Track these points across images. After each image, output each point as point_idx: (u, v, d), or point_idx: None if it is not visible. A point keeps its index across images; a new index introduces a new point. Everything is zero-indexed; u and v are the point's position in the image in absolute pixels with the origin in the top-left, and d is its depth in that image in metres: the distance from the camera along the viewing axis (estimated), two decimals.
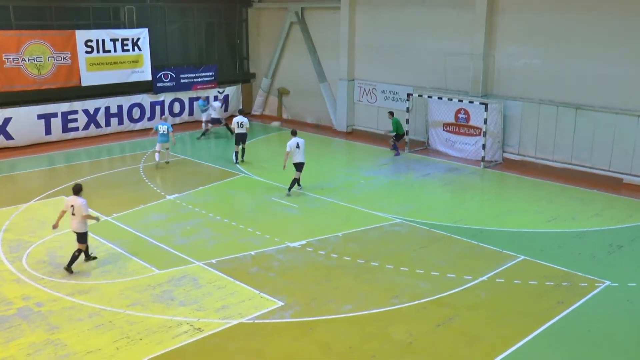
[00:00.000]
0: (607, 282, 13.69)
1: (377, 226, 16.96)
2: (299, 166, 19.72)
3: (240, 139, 23.73)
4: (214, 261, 14.68)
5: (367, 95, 29.26)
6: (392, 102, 28.03)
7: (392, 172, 22.25)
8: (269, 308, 12.45)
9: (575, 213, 18.33)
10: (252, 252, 15.30)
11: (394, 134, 25.52)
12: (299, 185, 20.12)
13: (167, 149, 23.56)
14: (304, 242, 15.93)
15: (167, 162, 23.61)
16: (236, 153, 24.03)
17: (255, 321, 11.97)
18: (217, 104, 28.34)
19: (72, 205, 14.22)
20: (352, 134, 29.73)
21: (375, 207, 18.63)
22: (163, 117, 27.45)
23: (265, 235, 16.38)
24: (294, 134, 19.93)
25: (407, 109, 26.22)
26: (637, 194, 20.25)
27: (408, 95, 26.19)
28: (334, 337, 11.47)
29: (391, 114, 25.73)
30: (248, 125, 23.86)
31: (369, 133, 29.18)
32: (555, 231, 16.84)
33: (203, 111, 28.70)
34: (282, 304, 12.63)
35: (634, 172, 21.08)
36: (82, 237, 14.33)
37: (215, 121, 26.55)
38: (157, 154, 23.07)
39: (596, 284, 13.60)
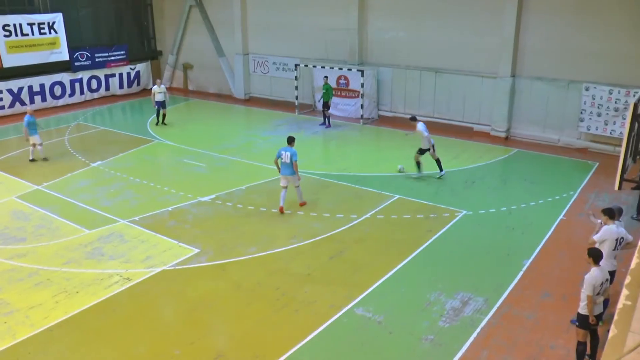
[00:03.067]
0: (464, 212, 14.47)
1: (275, 178, 16.81)
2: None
3: (160, 105, 23.62)
4: (136, 218, 14.37)
5: (260, 66, 28.88)
6: (282, 72, 27.86)
7: (286, 131, 22.29)
8: (187, 255, 12.40)
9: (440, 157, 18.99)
10: (169, 208, 15.06)
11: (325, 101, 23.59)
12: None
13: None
14: (213, 196, 15.82)
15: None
16: (157, 117, 24.06)
17: (176, 267, 11.91)
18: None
19: None
20: (250, 100, 29.42)
21: (272, 162, 18.62)
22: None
23: (179, 192, 16.14)
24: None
25: (295, 77, 26.12)
26: (485, 140, 21.32)
27: (296, 65, 26.06)
28: (243, 275, 11.59)
29: (326, 78, 24.04)
30: (165, 93, 23.79)
31: (264, 99, 28.97)
32: (425, 173, 17.36)
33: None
34: (198, 250, 12.60)
35: (482, 122, 22.19)
36: None
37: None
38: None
39: (456, 214, 14.36)
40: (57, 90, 28.55)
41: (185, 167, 18.54)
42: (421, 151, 16.94)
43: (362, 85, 23.85)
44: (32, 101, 27.46)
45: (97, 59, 29.75)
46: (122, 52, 30.82)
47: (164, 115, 23.91)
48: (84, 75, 29.46)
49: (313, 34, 26.25)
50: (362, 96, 24.01)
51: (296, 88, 26.17)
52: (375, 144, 21.93)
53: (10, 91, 26.80)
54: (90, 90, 29.88)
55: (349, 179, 17.11)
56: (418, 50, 23.39)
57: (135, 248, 12.81)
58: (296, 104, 26.29)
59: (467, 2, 21.69)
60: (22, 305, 10.70)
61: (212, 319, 10.20)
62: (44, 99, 28.03)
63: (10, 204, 15.75)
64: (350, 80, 24.96)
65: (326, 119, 23.75)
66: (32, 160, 19.48)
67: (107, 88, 30.61)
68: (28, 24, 27.08)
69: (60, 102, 28.64)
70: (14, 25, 26.60)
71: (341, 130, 23.02)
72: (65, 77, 28.78)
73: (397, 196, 15.59)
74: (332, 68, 24.72)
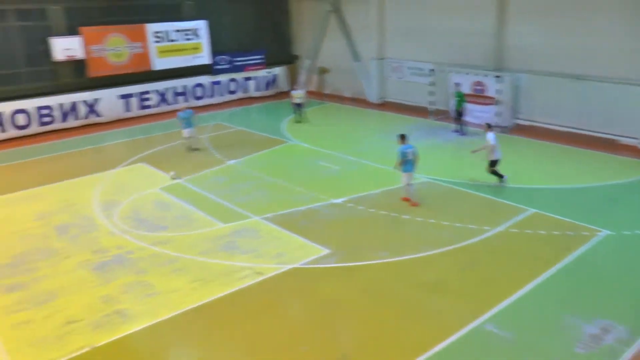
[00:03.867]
0: (606, 231, 13.48)
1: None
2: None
3: (298, 107, 25.50)
4: (269, 216, 14.93)
5: (395, 71, 28.94)
6: (417, 77, 27.69)
7: (420, 137, 22.00)
8: (317, 255, 12.65)
9: (578, 171, 18.03)
10: (302, 208, 15.46)
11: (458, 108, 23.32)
12: None
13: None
14: (345, 198, 16.01)
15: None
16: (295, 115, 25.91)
17: (306, 266, 12.20)
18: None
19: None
20: (384, 105, 29.50)
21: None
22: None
23: (312, 193, 16.52)
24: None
25: (431, 82, 25.86)
26: (630, 154, 19.82)
27: (430, 70, 25.82)
28: (372, 280, 11.63)
29: (457, 85, 24.00)
30: (303, 96, 25.84)
31: (398, 104, 28.95)
32: (561, 187, 16.57)
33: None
34: (328, 251, 12.80)
35: (628, 135, 20.59)
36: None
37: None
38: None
39: (596, 233, 13.42)
40: (199, 91, 30.41)
41: (318, 169, 18.96)
42: (492, 163, 16.41)
43: (499, 92, 23.11)
44: (175, 101, 29.40)
45: (235, 63, 31.32)
46: (260, 57, 32.17)
47: (302, 114, 25.58)
48: (223, 78, 31.11)
49: (449, 39, 25.89)
50: (498, 103, 23.25)
51: (431, 94, 25.91)
52: (510, 154, 20.99)
53: (157, 92, 28.90)
54: (229, 92, 31.51)
55: (483, 189, 16.59)
56: (559, 55, 22.19)
57: (267, 244, 13.31)
58: (430, 109, 26.02)
59: (618, 3, 20.29)
60: (163, 288, 11.53)
61: (338, 320, 10.34)
62: (186, 100, 29.92)
63: (155, 195, 17.02)
64: (487, 87, 24.24)
65: (460, 127, 23.26)
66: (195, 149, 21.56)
67: (245, 90, 32.09)
68: (175, 31, 29.10)
69: (201, 102, 30.49)
70: (164, 32, 28.75)
71: (475, 138, 22.39)
72: (206, 80, 30.56)
73: (533, 210, 14.88)
74: (468, 74, 24.20)
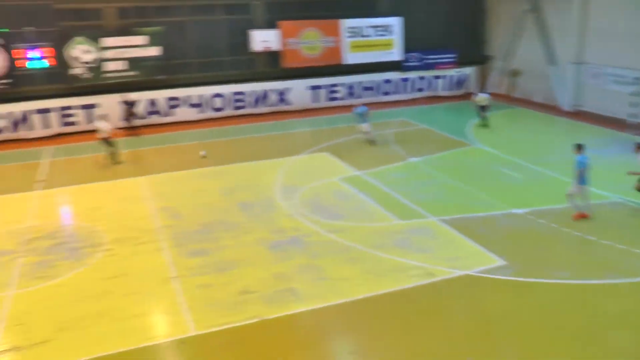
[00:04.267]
0: None
1: (597, 203, 15.22)
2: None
3: (482, 110, 24.63)
4: (446, 218, 14.55)
5: (594, 77, 26.55)
6: (619, 85, 25.13)
7: (615, 152, 20.15)
8: (492, 265, 12.04)
9: None
10: (481, 214, 14.86)
11: None
12: None
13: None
14: (527, 210, 15.06)
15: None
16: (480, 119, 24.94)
17: (480, 274, 11.66)
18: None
19: None
20: (577, 114, 27.36)
21: (595, 184, 16.96)
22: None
23: (492, 200, 15.82)
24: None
25: (634, 92, 23.49)
26: None
27: (636, 79, 23.41)
28: (548, 299, 10.75)
29: None
30: (487, 98, 24.85)
31: (593, 114, 26.60)
32: None
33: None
34: (504, 262, 12.12)
35: None
36: None
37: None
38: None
39: None
40: (387, 87, 30.72)
41: (500, 176, 18.12)
42: None
43: None
44: (363, 96, 29.98)
45: (426, 61, 31.13)
46: (451, 55, 31.64)
47: (485, 118, 24.61)
48: (413, 75, 31.09)
49: None
50: None
51: (633, 105, 23.56)
52: None
53: (346, 85, 29.69)
54: (417, 89, 31.44)
55: None
56: None
57: (442, 246, 13.00)
58: (630, 122, 23.68)
59: None
60: (334, 275, 11.75)
61: (504, 335, 9.69)
62: (374, 94, 30.33)
63: (335, 184, 17.46)
64: None
65: None
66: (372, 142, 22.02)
67: (433, 89, 31.78)
68: (369, 27, 29.63)
69: (388, 98, 30.73)
70: (358, 27, 29.41)
71: None
72: (395, 76, 30.75)
73: None
74: None
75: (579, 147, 14.23)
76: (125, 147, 22.73)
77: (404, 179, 17.95)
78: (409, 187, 17.02)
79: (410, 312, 10.45)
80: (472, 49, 33.12)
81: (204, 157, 20.28)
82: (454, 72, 31.97)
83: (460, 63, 32.08)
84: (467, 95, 31.46)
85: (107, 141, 20.84)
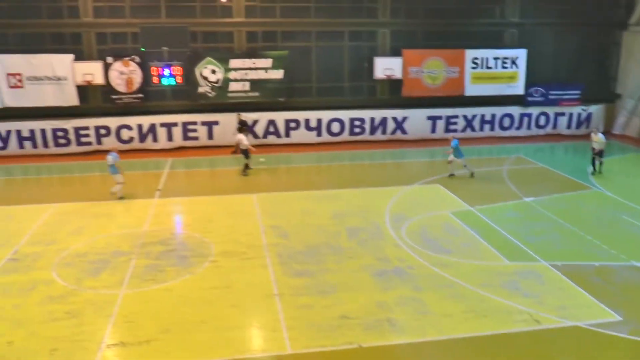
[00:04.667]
0: None
1: None
2: None
3: (596, 153, 22.43)
4: (559, 264, 13.92)
5: None
6: None
7: None
8: (606, 319, 11.37)
9: None
10: (596, 263, 14.07)
11: None
12: None
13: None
14: None
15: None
16: (593, 165, 22.66)
17: (591, 328, 11.06)
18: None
19: None
20: None
21: None
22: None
23: (611, 250, 14.91)
24: None
25: None
26: None
27: None
28: None
29: None
30: (603, 142, 22.48)
31: None
32: None
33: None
34: (620, 319, 11.40)
35: None
36: None
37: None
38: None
39: None
40: (506, 121, 29.90)
41: (622, 224, 17.04)
42: None
43: None
44: (481, 129, 29.52)
45: (550, 96, 30.01)
46: (577, 92, 30.26)
47: (600, 164, 22.69)
48: (534, 110, 30.10)
49: None
50: None
51: None
52: None
53: (465, 117, 29.45)
54: (537, 126, 30.36)
55: None
56: None
57: (551, 293, 12.46)
58: None
59: None
60: (436, 310, 11.65)
61: None
62: (492, 128, 29.75)
63: (445, 217, 17.29)
64: None
65: None
66: (450, 175, 21.77)
67: (555, 126, 30.57)
68: (494, 58, 29.15)
69: (507, 133, 29.89)
70: (482, 58, 29.08)
71: None
72: (515, 111, 29.94)
73: None
74: None
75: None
76: (238, 164, 23.75)
77: (517, 218, 17.41)
78: (521, 228, 16.49)
79: (511, 358, 10.07)
80: (599, 86, 31.54)
81: (262, 163, 20.47)
82: (579, 110, 30.54)
83: (586, 100, 30.60)
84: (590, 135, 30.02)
85: (245, 152, 22.65)
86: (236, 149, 23.76)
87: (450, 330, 10.89)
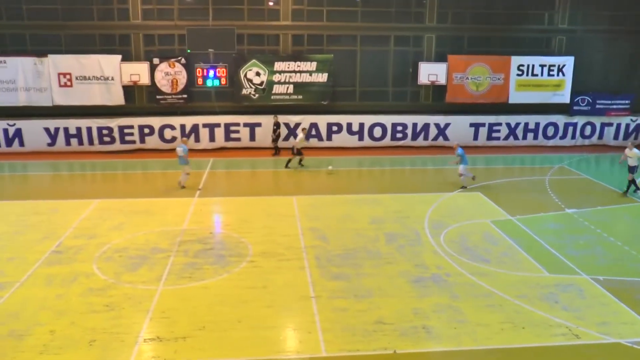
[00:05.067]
0: None
1: None
2: None
3: (630, 171, 20.77)
4: (601, 278, 13.58)
5: None
6: None
7: None
8: None
9: None
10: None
11: None
12: None
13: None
14: None
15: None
16: (630, 183, 20.81)
17: (634, 346, 10.75)
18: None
19: None
20: None
21: None
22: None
23: None
24: None
25: None
26: None
27: None
28: None
29: None
30: (637, 157, 20.67)
31: None
32: None
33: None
34: None
35: None
36: None
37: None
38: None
39: None
40: (550, 130, 29.34)
41: None
42: None
43: None
44: (524, 137, 29.08)
45: (597, 106, 29.29)
46: (627, 102, 29.47)
47: (631, 182, 20.73)
48: (580, 120, 29.44)
49: None
50: None
51: None
52: None
53: (508, 125, 28.99)
54: (583, 136, 29.67)
55: None
56: None
57: (592, 307, 12.17)
58: None
59: None
60: (472, 319, 11.53)
61: None
62: (535, 137, 29.26)
63: (484, 225, 17.08)
64: None
65: None
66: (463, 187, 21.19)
67: (601, 137, 29.85)
68: (540, 65, 28.65)
69: (550, 142, 29.36)
70: (527, 65, 28.63)
71: None
72: (560, 119, 29.35)
73: None
74: None
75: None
76: (280, 166, 23.95)
77: (559, 230, 17.06)
78: (562, 239, 16.16)
79: None
80: None
81: (330, 172, 20.43)
82: (628, 121, 29.74)
83: (636, 111, 29.78)
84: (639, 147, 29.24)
85: (299, 151, 23.57)
86: (295, 149, 24.17)
87: (486, 340, 10.75)
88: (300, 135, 24.20)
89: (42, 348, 10.42)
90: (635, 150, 20.99)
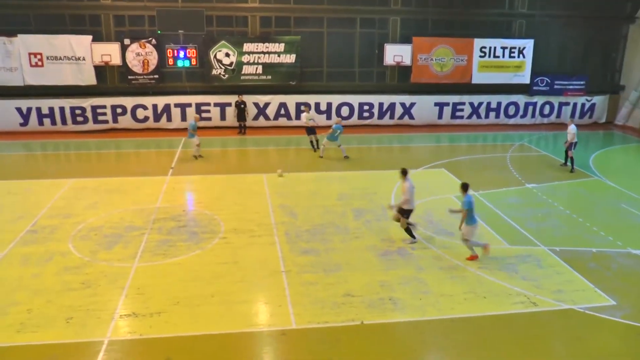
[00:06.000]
0: None
1: None
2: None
3: (569, 148, 21.11)
4: (557, 249, 13.90)
5: None
6: None
7: None
8: (601, 304, 11.36)
9: None
10: (593, 249, 14.03)
11: None
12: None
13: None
14: None
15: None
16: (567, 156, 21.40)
17: (586, 312, 11.05)
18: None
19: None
20: None
21: None
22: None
23: (608, 236, 14.86)
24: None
25: None
26: None
27: None
28: None
29: None
30: (573, 133, 21.06)
31: None
32: None
33: None
34: (614, 303, 11.39)
35: None
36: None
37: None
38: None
39: None
40: (511, 109, 29.77)
41: (621, 213, 16.91)
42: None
43: None
44: (487, 116, 29.52)
45: (555, 86, 29.75)
46: (582, 82, 29.97)
47: (569, 159, 21.33)
48: (539, 99, 29.90)
49: None
50: None
51: None
52: None
53: (471, 104, 29.34)
54: (542, 115, 30.20)
55: None
56: None
57: (549, 277, 12.45)
58: None
59: None
60: (435, 290, 11.72)
61: None
62: (497, 116, 29.71)
63: (448, 201, 17.21)
64: None
65: None
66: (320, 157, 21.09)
67: (559, 115, 30.37)
68: (501, 47, 28.87)
69: (511, 121, 29.78)
70: (490, 47, 28.79)
71: None
72: (521, 99, 29.77)
73: None
74: None
75: (465, 188, 13.18)
76: (249, 145, 23.77)
77: (519, 204, 17.36)
78: (522, 213, 16.45)
79: (508, 339, 10.16)
80: (603, 77, 31.23)
81: (280, 175, 19.58)
82: (583, 100, 30.28)
83: (590, 91, 30.32)
84: (593, 126, 29.91)
85: (311, 129, 23.15)
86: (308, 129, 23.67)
87: (449, 310, 10.93)
88: (306, 114, 23.67)
89: (19, 327, 10.25)
90: (572, 126, 21.50)
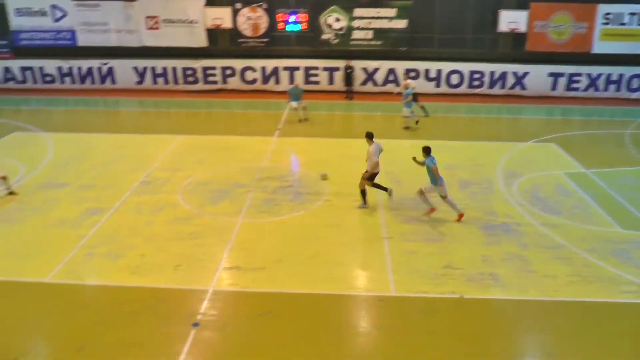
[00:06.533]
0: None
1: None
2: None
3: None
4: None
5: None
6: None
7: None
8: None
9: None
10: None
11: None
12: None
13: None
14: None
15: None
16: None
17: None
18: None
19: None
20: None
21: None
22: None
23: None
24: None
25: None
26: None
27: None
28: None
29: None
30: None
31: None
32: None
33: None
34: None
35: None
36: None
37: None
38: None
39: None
40: (636, 82, 27.39)
41: None
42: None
43: None
44: (606, 89, 27.43)
45: None
46: None
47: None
48: None
49: None
50: None
51: None
52: None
53: (589, 76, 27.35)
54: None
55: None
56: None
57: None
58: None
59: None
60: (539, 270, 11.31)
61: None
62: (617, 89, 27.55)
63: (557, 177, 16.49)
64: None
65: None
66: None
67: None
68: (629, 14, 26.69)
69: (634, 95, 27.52)
70: (615, 14, 26.67)
71: None
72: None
73: None
74: None
75: (427, 151, 13.14)
76: (356, 110, 23.77)
77: (636, 185, 16.23)
78: (639, 195, 15.42)
79: (614, 329, 9.62)
80: None
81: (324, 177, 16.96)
82: None
83: None
84: None
85: (415, 98, 22.55)
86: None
87: (552, 292, 10.53)
88: (407, 82, 23.21)
89: (134, 269, 11.10)
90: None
